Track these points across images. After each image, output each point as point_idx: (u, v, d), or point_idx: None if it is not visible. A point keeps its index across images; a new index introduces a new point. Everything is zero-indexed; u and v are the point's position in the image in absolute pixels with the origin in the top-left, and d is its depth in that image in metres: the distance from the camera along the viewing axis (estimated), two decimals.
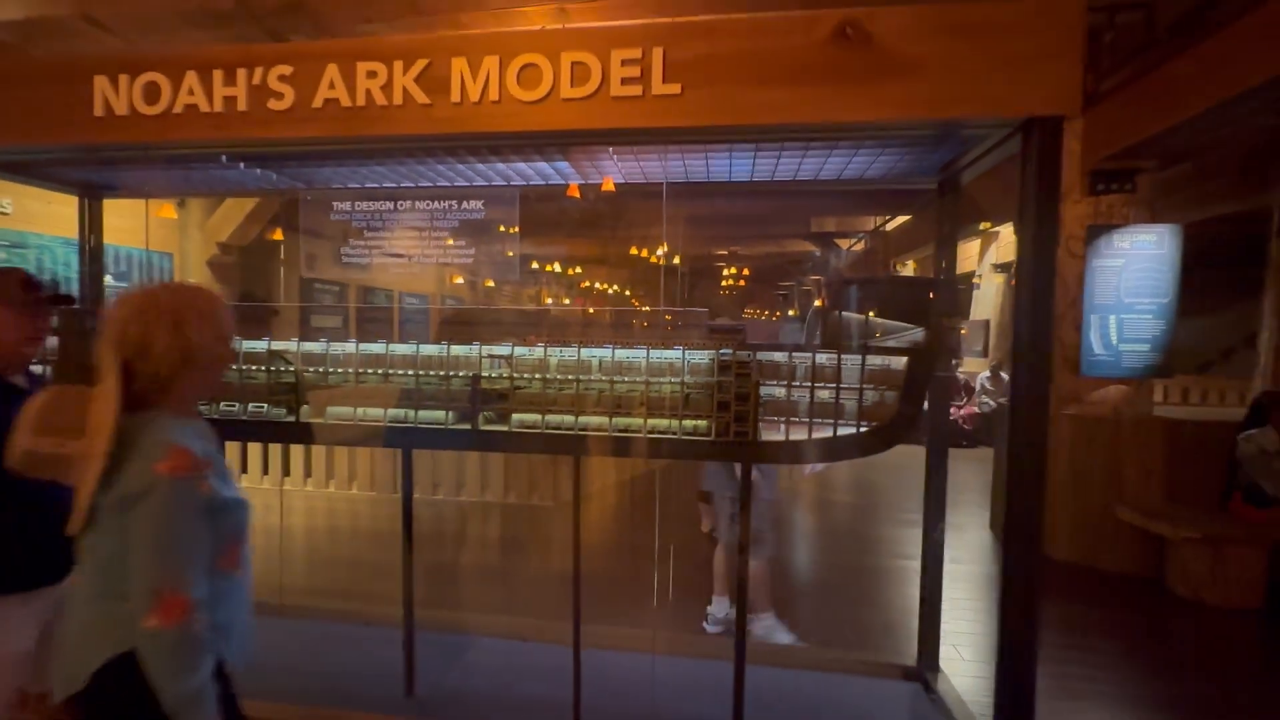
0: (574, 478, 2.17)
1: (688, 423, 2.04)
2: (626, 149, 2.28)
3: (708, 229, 10.73)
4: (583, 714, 2.19)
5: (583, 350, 2.11)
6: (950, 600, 2.73)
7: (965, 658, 3.17)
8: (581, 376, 2.10)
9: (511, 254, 2.27)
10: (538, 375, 2.14)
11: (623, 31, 1.93)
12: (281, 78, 2.07)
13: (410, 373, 2.22)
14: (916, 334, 2.00)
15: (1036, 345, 1.81)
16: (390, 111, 2.03)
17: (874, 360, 1.96)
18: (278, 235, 6.31)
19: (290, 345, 2.31)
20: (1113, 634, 3.59)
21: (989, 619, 3.57)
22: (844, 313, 1.96)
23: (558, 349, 2.13)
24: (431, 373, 2.20)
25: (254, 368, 2.30)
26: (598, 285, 14.54)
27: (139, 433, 1.19)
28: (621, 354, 2.09)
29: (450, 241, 2.36)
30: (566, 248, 13.54)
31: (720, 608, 3.34)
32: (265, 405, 2.30)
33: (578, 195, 2.91)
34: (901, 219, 10.02)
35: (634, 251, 9.61)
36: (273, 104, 2.08)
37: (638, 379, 2.08)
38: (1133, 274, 4.37)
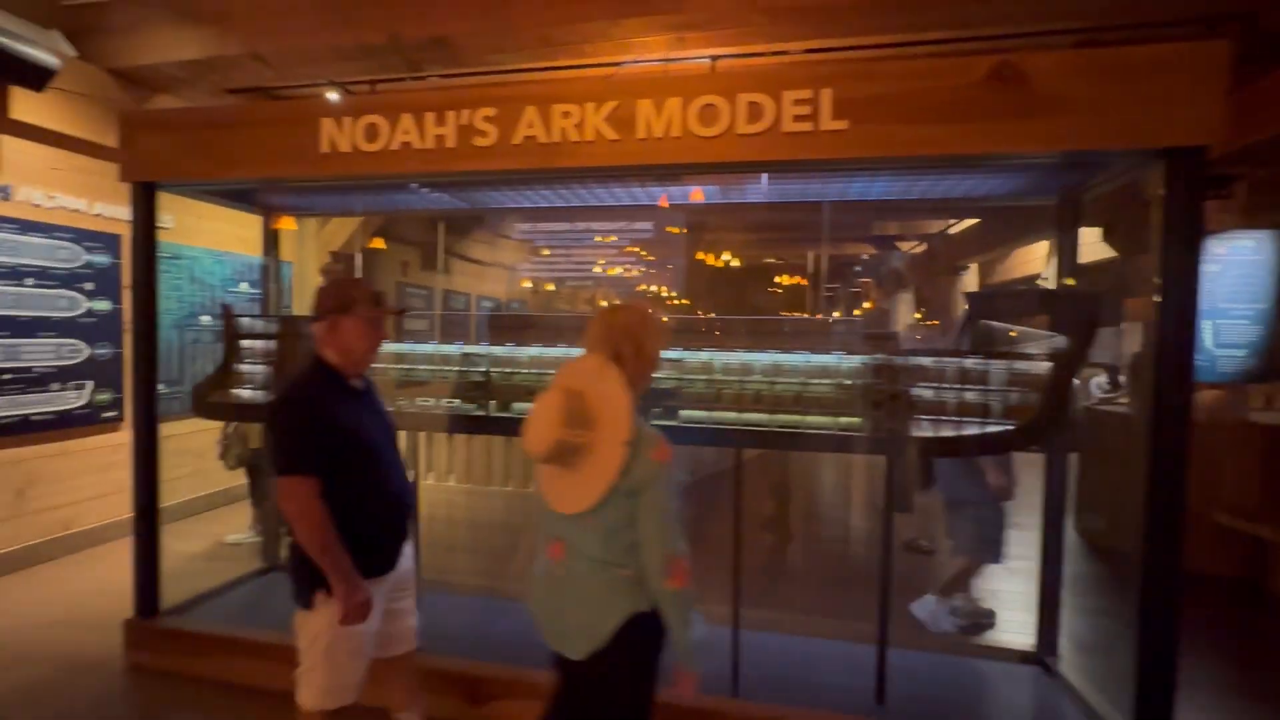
0: (735, 471, 2.43)
1: (843, 420, 2.28)
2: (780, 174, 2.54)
3: (768, 233, 10.91)
4: (740, 685, 2.45)
5: (744, 355, 2.38)
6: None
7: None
8: (744, 378, 2.37)
9: (671, 267, 2.55)
10: (704, 376, 2.41)
11: (793, 74, 2.19)
12: (486, 118, 2.40)
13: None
14: (1058, 341, 2.18)
15: (1180, 366, 1.96)
16: (581, 146, 2.34)
17: (1019, 365, 2.17)
18: (379, 244, 6.79)
19: (479, 349, 2.64)
20: (1216, 632, 3.67)
21: (1088, 614, 3.69)
22: (990, 321, 2.13)
23: (723, 353, 2.40)
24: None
25: (447, 368, 2.64)
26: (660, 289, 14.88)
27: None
28: (781, 358, 2.35)
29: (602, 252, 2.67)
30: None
31: (928, 605, 3.38)
32: (458, 400, 2.63)
33: (666, 206, 3.19)
34: (969, 223, 10.01)
35: (699, 257, 9.86)
36: (477, 140, 2.42)
37: (794, 380, 2.33)
38: (1230, 279, 4.41)
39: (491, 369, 2.59)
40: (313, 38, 3.96)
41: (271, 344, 2.88)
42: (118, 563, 4.17)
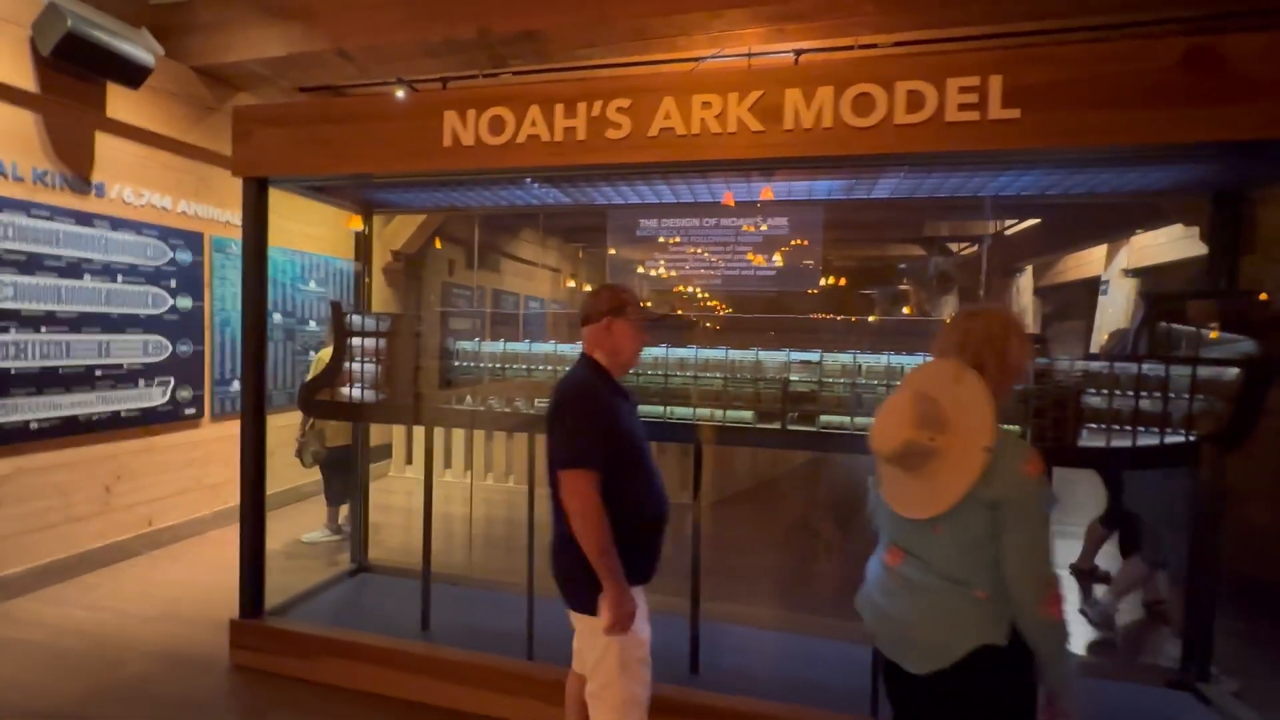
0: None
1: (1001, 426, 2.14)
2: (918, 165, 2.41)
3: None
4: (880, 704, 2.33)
5: (893, 357, 2.25)
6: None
7: None
8: (890, 383, 2.24)
9: (810, 263, 2.43)
10: (844, 380, 2.29)
11: (959, 60, 2.06)
12: (620, 109, 2.31)
13: (717, 376, 2.42)
14: (1246, 345, 2.03)
15: None
16: (722, 139, 2.24)
17: (1204, 370, 2.02)
18: (437, 243, 6.78)
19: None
20: None
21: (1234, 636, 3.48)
22: (1173, 324, 1.99)
23: (869, 355, 2.28)
24: (740, 376, 2.39)
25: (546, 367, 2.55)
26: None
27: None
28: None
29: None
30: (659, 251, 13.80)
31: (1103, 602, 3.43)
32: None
33: (732, 204, 3.07)
34: (1028, 223, 9.72)
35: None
36: (610, 133, 2.33)
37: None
38: None
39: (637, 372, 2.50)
40: (401, 33, 3.93)
41: (380, 343, 2.82)
42: (200, 560, 4.17)
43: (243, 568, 2.90)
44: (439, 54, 4.09)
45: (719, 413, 2.40)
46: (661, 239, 2.52)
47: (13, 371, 3.47)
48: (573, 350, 2.63)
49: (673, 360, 2.47)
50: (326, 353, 4.50)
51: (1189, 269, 9.03)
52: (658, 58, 4.11)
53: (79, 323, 3.79)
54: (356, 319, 2.85)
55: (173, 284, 4.36)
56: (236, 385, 4.90)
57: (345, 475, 4.67)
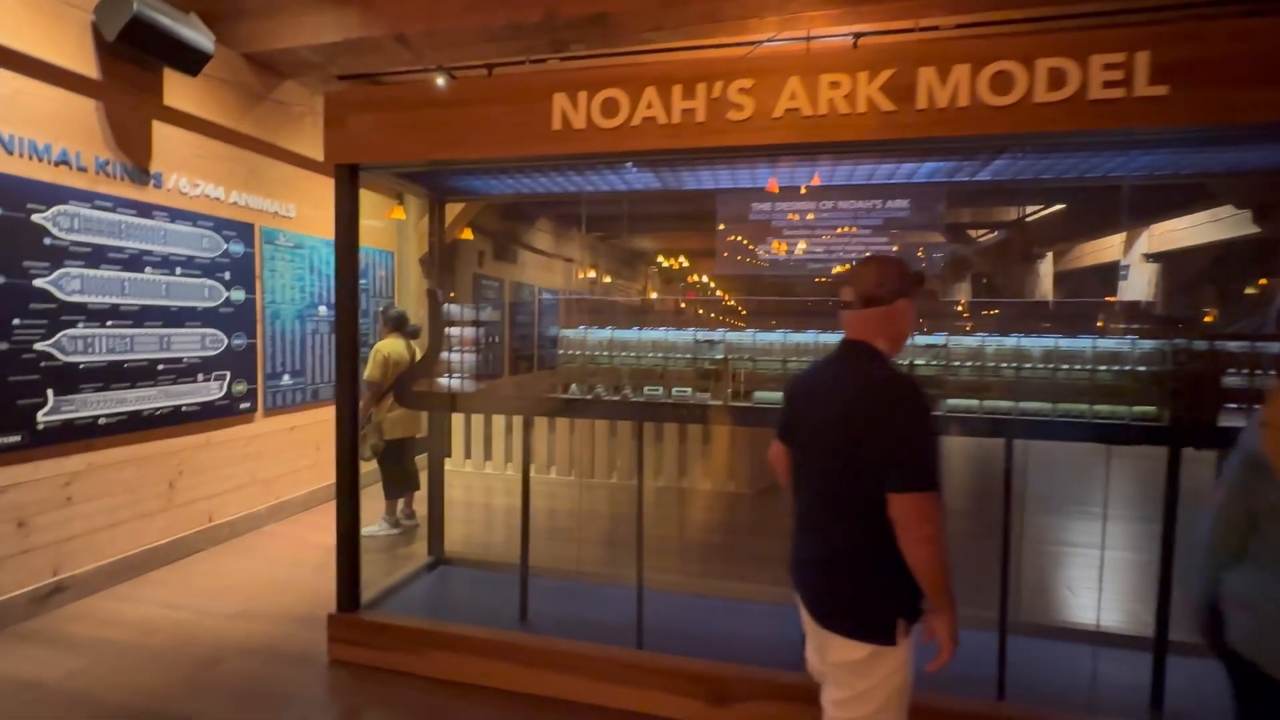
0: (1005, 460, 2.29)
1: (1138, 409, 2.14)
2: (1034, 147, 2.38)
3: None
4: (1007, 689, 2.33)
5: (1023, 340, 2.23)
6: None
7: None
8: (1022, 365, 2.23)
9: (921, 251, 2.41)
10: (971, 363, 2.27)
11: (1103, 37, 2.03)
12: (742, 90, 2.27)
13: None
14: None
15: None
16: (851, 119, 2.20)
17: None
18: (468, 234, 6.70)
19: (716, 335, 2.52)
20: None
21: None
22: None
23: (995, 337, 2.26)
24: None
25: (681, 355, 2.52)
26: (704, 278, 14.77)
27: None
28: (1066, 344, 2.20)
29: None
30: (672, 241, 13.71)
31: None
32: (690, 389, 2.52)
33: (776, 191, 3.04)
34: (1052, 209, 9.73)
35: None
36: (732, 115, 2.29)
37: (1081, 367, 2.19)
38: None
39: (729, 356, 2.48)
40: (465, 18, 3.84)
41: (476, 332, 2.78)
42: (263, 555, 4.13)
43: (340, 561, 2.86)
44: (500, 39, 4.01)
45: None
46: (774, 223, 2.49)
47: (81, 366, 3.41)
48: (667, 336, 2.60)
49: (789, 346, 2.44)
50: (385, 344, 4.46)
51: (1209, 253, 9.10)
52: (718, 41, 4.05)
53: (141, 316, 3.72)
54: (454, 309, 2.80)
55: (227, 276, 4.29)
56: (288, 379, 4.84)
57: (404, 468, 4.64)
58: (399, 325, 4.54)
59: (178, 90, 3.86)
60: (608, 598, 3.09)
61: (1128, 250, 10.23)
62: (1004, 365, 2.25)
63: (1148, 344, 2.15)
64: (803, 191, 2.61)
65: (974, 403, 2.26)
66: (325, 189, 5.24)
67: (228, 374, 4.31)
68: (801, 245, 2.50)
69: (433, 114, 2.58)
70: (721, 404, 2.48)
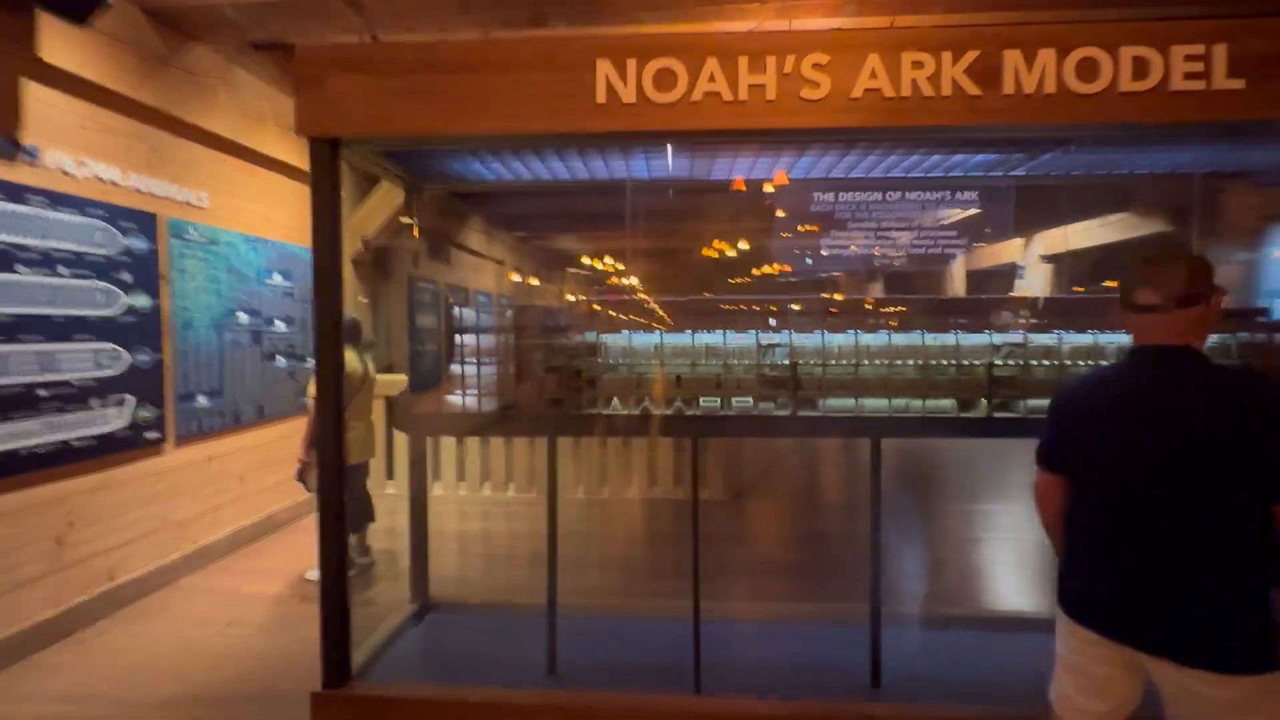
0: None
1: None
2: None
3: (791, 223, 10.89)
4: None
5: (1100, 336, 2.18)
6: None
7: None
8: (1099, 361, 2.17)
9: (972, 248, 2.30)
10: (1049, 361, 2.19)
11: (1184, 27, 2.00)
12: (817, 66, 2.04)
13: (909, 363, 2.23)
14: None
15: None
16: (934, 103, 2.04)
17: None
18: (416, 232, 6.03)
19: (780, 338, 2.28)
20: None
21: None
22: None
23: (1074, 334, 2.19)
24: (938, 362, 2.22)
25: (741, 362, 2.26)
26: (628, 280, 14.52)
27: None
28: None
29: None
30: (597, 241, 13.40)
31: None
32: (750, 399, 2.26)
33: (786, 182, 2.96)
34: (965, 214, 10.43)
35: (707, 251, 9.61)
36: (807, 93, 2.05)
37: None
38: None
39: (797, 361, 2.24)
40: None
41: (502, 340, 2.36)
42: (184, 615, 3.39)
43: (325, 625, 2.32)
44: (471, 11, 3.55)
45: (915, 402, 2.22)
46: (836, 214, 2.29)
47: None
48: (725, 340, 2.33)
49: (859, 347, 2.25)
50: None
51: (1096, 254, 10.14)
52: (712, 28, 3.82)
53: (14, 328, 2.91)
54: (468, 314, 2.36)
55: (126, 278, 3.49)
56: (204, 400, 4.06)
57: (358, 497, 4.02)
58: (352, 336, 3.92)
59: (59, 44, 3.07)
60: (640, 635, 2.76)
61: (1026, 251, 11.21)
62: (1083, 363, 2.18)
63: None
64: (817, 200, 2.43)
65: None
66: (243, 176, 4.50)
67: (129, 398, 3.51)
68: (843, 240, 2.32)
69: (442, 80, 2.14)
70: (789, 414, 2.24)
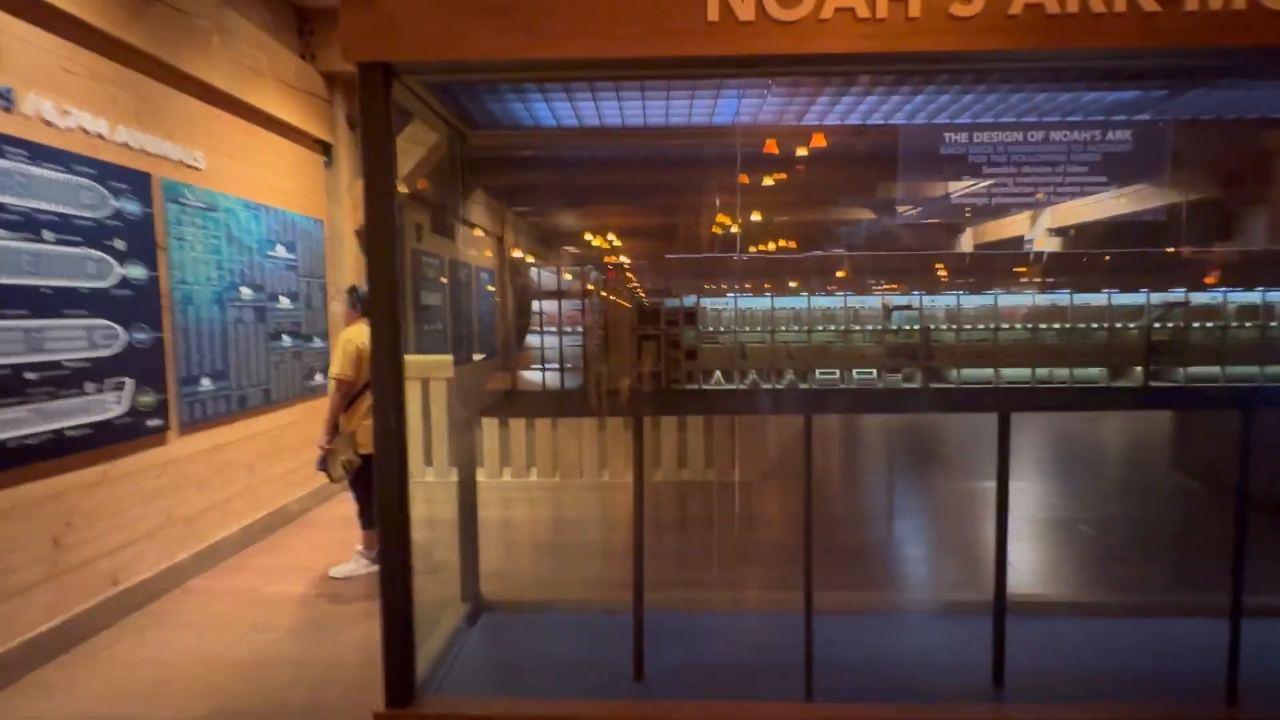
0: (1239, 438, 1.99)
1: None
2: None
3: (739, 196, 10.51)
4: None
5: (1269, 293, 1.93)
6: None
7: None
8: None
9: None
10: (1212, 324, 1.94)
11: None
12: None
13: (1061, 326, 1.97)
14: None
15: None
16: (1104, 21, 1.75)
17: None
18: (423, 184, 5.62)
19: (908, 299, 2.00)
20: None
21: None
22: None
23: (1239, 292, 1.94)
24: (1089, 325, 1.96)
25: (865, 327, 1.98)
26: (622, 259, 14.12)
27: None
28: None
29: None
30: (596, 218, 12.95)
31: None
32: (875, 371, 1.99)
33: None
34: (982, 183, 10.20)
35: (716, 228, 9.25)
36: (956, 9, 1.75)
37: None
38: None
39: (931, 326, 1.97)
40: None
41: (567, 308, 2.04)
42: (200, 620, 3.06)
43: (388, 635, 2.02)
44: None
45: (1057, 372, 1.96)
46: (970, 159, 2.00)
47: None
48: (846, 303, 2.05)
49: (979, 309, 1.98)
50: (355, 332, 3.49)
51: (1103, 228, 10.03)
52: None
53: None
54: (544, 276, 2.03)
55: (119, 245, 3.08)
56: (208, 383, 3.68)
57: None
58: None
59: None
60: (726, 632, 2.51)
61: (1033, 225, 11.08)
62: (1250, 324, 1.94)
63: None
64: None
65: (1216, 370, 1.93)
66: (241, 136, 4.06)
67: (128, 381, 3.13)
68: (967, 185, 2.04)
69: None
70: (921, 387, 1.97)
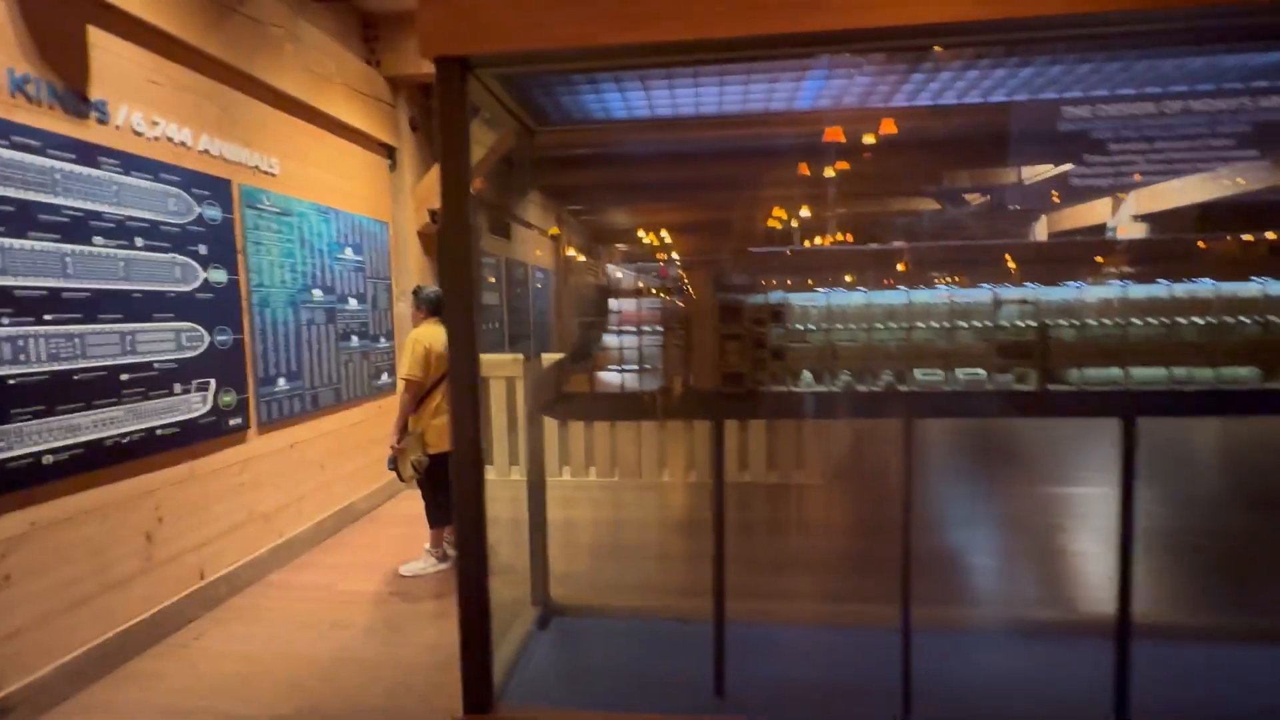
0: None
1: None
2: None
3: (824, 187, 10.15)
4: None
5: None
6: None
7: None
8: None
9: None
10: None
11: None
12: None
13: (1191, 320, 1.75)
14: None
15: None
16: None
17: None
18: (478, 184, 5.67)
19: (1022, 292, 1.82)
20: None
21: None
22: None
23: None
24: (1238, 319, 1.73)
25: (971, 323, 1.81)
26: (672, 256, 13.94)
27: None
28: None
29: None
30: (649, 215, 12.85)
31: None
32: (983, 371, 1.81)
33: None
34: (1052, 172, 9.59)
35: (772, 222, 9.00)
36: None
37: None
38: None
39: (1046, 323, 1.79)
40: None
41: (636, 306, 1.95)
42: (281, 616, 3.13)
43: (467, 641, 1.98)
44: None
45: (1197, 372, 1.75)
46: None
47: (11, 381, 2.31)
48: (951, 297, 1.88)
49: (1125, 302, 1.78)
50: (423, 333, 3.51)
51: (1192, 213, 9.26)
52: None
53: (93, 306, 2.61)
54: (621, 274, 1.94)
55: (202, 250, 3.18)
56: (284, 383, 3.78)
57: (450, 487, 3.71)
58: (438, 309, 3.58)
59: None
60: (807, 645, 2.38)
61: (1115, 212, 10.35)
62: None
63: None
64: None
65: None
66: (312, 141, 4.15)
67: (212, 381, 3.23)
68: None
69: None
70: (1036, 389, 1.79)
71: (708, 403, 1.89)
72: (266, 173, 3.67)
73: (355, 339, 4.56)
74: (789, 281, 2.01)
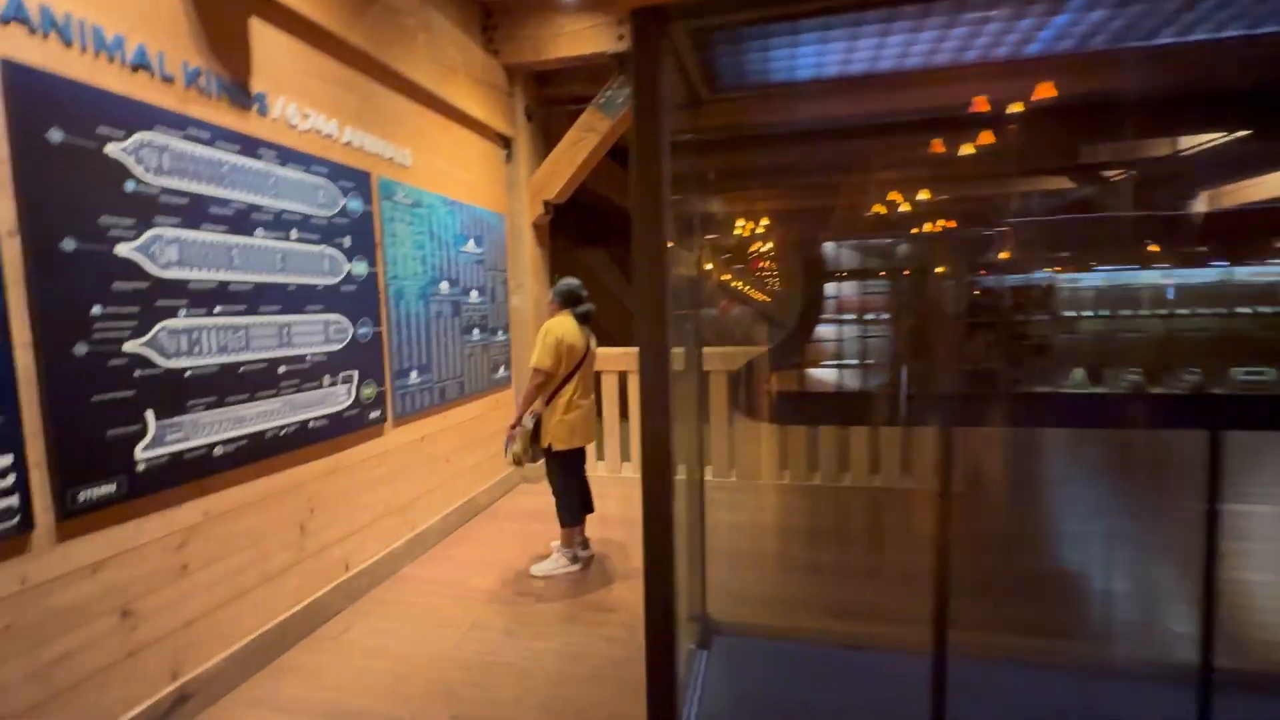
0: None
1: None
2: None
3: (957, 167, 9.37)
4: None
5: None
6: None
7: None
8: None
9: None
10: None
11: None
12: None
13: None
14: None
15: None
16: None
17: None
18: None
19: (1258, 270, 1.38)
20: None
21: None
22: None
23: None
24: None
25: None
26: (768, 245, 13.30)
27: None
28: None
29: None
30: (747, 204, 12.36)
31: None
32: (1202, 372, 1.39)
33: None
34: (1210, 144, 8.36)
35: (885, 203, 8.36)
36: None
37: None
38: None
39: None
40: None
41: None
42: (423, 613, 3.06)
43: (653, 670, 1.78)
44: None
45: None
46: None
47: (187, 373, 2.33)
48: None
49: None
50: (556, 324, 3.37)
51: None
52: None
53: (255, 299, 2.62)
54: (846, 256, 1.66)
55: (346, 242, 3.18)
56: (416, 376, 3.77)
57: (581, 484, 3.58)
58: (571, 301, 3.44)
59: None
60: (1028, 687, 2.02)
61: None
62: None
63: None
64: None
65: None
66: (439, 133, 4.11)
67: (355, 374, 3.23)
68: None
69: None
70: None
71: (947, 407, 1.57)
72: (400, 165, 3.65)
73: (476, 332, 4.53)
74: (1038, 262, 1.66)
